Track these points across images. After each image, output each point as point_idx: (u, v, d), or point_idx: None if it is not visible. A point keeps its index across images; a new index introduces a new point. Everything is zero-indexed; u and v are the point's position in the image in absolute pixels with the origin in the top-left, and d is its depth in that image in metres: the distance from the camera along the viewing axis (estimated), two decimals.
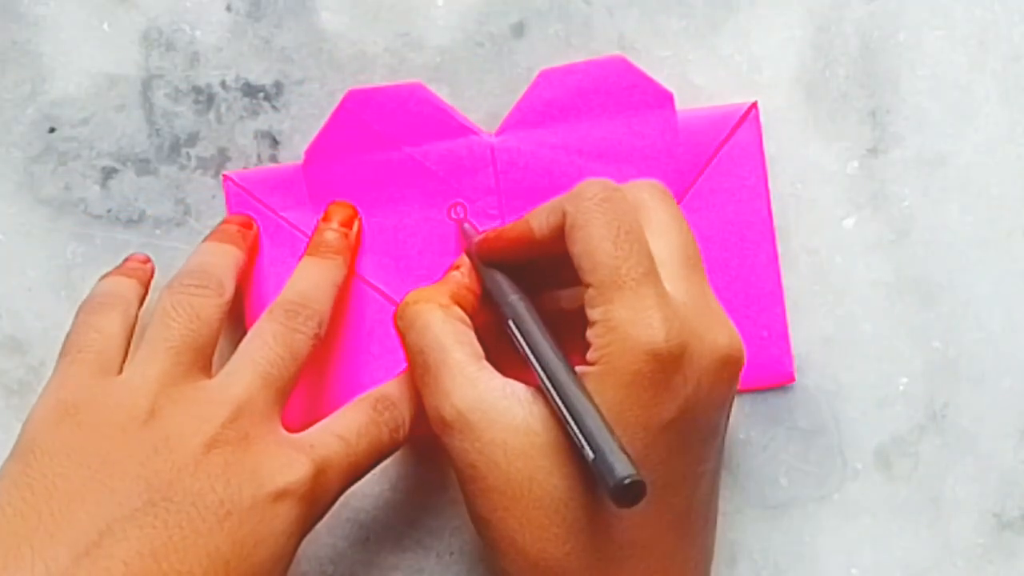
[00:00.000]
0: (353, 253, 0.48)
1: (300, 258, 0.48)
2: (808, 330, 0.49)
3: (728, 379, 0.42)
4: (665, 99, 0.48)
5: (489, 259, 0.45)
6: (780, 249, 0.49)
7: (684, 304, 0.41)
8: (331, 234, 0.48)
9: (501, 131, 0.48)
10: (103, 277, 0.47)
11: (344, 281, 0.47)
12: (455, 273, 0.46)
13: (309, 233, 0.48)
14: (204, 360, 0.43)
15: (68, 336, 0.44)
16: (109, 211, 0.50)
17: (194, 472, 0.40)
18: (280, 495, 0.41)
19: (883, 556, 0.49)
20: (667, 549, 0.42)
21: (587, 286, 0.40)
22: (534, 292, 0.44)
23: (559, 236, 0.42)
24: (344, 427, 0.43)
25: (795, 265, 0.49)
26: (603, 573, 0.41)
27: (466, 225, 0.48)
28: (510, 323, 0.43)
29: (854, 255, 0.49)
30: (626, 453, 0.37)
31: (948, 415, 0.49)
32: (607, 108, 0.48)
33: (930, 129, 0.49)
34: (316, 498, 0.42)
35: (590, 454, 0.37)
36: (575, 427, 0.38)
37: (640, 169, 0.47)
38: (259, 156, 0.50)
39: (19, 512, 0.39)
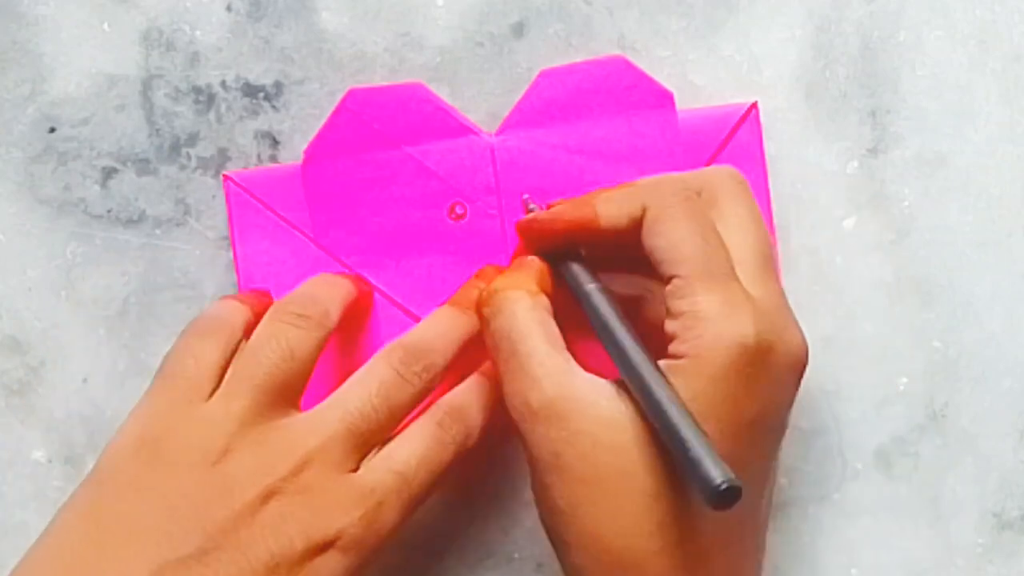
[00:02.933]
0: None
1: (300, 258, 0.48)
2: (808, 330, 0.49)
3: (797, 378, 0.42)
4: (666, 99, 0.48)
5: (542, 243, 0.45)
6: (780, 249, 0.49)
7: (763, 302, 0.41)
8: (477, 293, 0.46)
9: (501, 131, 0.48)
10: (221, 299, 0.47)
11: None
12: (532, 258, 0.45)
13: (310, 233, 0.48)
14: (292, 395, 0.43)
15: (167, 356, 0.44)
16: (109, 211, 0.50)
17: (249, 523, 0.40)
18: (327, 546, 0.41)
19: (883, 556, 0.49)
20: (744, 545, 0.42)
21: (670, 279, 0.40)
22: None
23: (632, 227, 0.42)
24: (405, 458, 0.43)
25: (795, 265, 0.49)
26: (688, 571, 0.40)
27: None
28: (587, 313, 0.42)
29: (854, 255, 0.49)
30: (718, 455, 0.36)
31: (948, 415, 0.49)
32: (607, 108, 0.48)
33: (930, 129, 0.49)
34: (365, 546, 0.41)
35: (684, 456, 0.37)
36: (668, 429, 0.38)
37: (640, 169, 0.47)
38: (259, 156, 0.50)
39: (78, 547, 0.39)
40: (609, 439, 0.40)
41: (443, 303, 0.47)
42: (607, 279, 0.45)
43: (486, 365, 0.46)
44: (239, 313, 0.45)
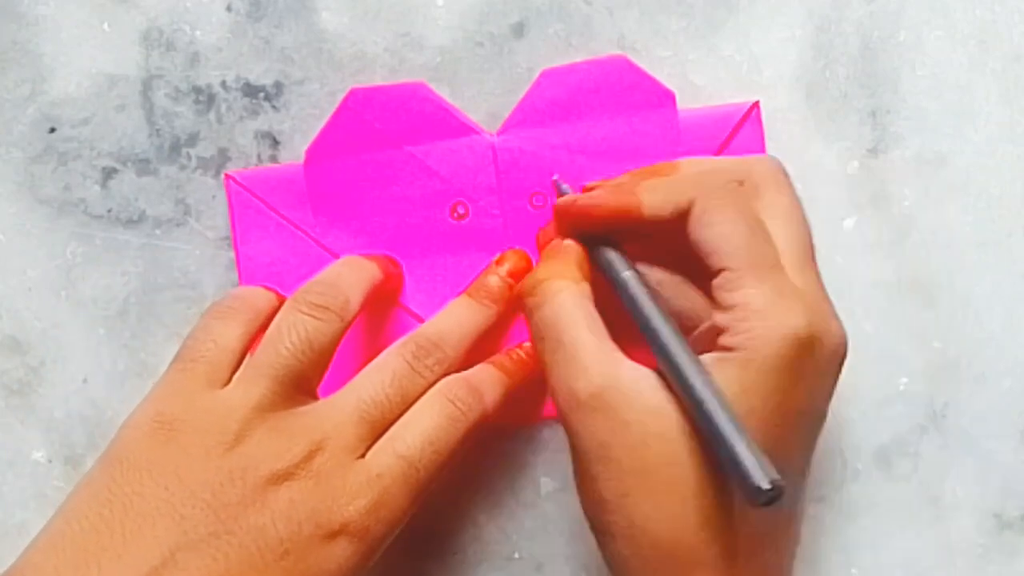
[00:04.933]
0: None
1: (302, 257, 0.48)
2: None
3: (838, 369, 0.42)
4: (667, 98, 0.48)
5: (579, 228, 0.44)
6: None
7: (808, 293, 0.41)
8: (495, 279, 0.47)
9: (503, 130, 0.48)
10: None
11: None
12: (568, 243, 0.44)
13: (311, 233, 0.48)
14: (309, 384, 0.43)
15: (187, 338, 0.44)
16: (109, 211, 0.50)
17: (260, 508, 0.40)
18: (335, 534, 0.41)
19: (883, 556, 0.49)
20: (785, 540, 0.42)
21: (719, 271, 0.40)
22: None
23: (678, 219, 0.41)
24: (411, 440, 0.43)
25: None
26: (730, 563, 0.40)
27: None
28: (624, 301, 0.42)
29: (854, 255, 0.49)
30: (762, 454, 0.36)
31: (948, 415, 0.49)
32: (609, 108, 0.48)
33: (930, 129, 0.49)
34: (373, 533, 0.42)
35: (726, 453, 0.37)
36: (709, 424, 0.37)
37: None
38: (259, 156, 0.50)
39: (94, 527, 0.39)
40: (657, 429, 0.39)
41: (452, 298, 0.47)
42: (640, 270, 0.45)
43: (498, 356, 0.47)
44: (261, 298, 0.45)
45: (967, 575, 0.49)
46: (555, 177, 0.48)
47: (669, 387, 0.40)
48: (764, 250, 0.40)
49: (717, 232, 0.40)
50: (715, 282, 0.40)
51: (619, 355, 0.41)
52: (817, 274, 0.42)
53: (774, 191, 0.43)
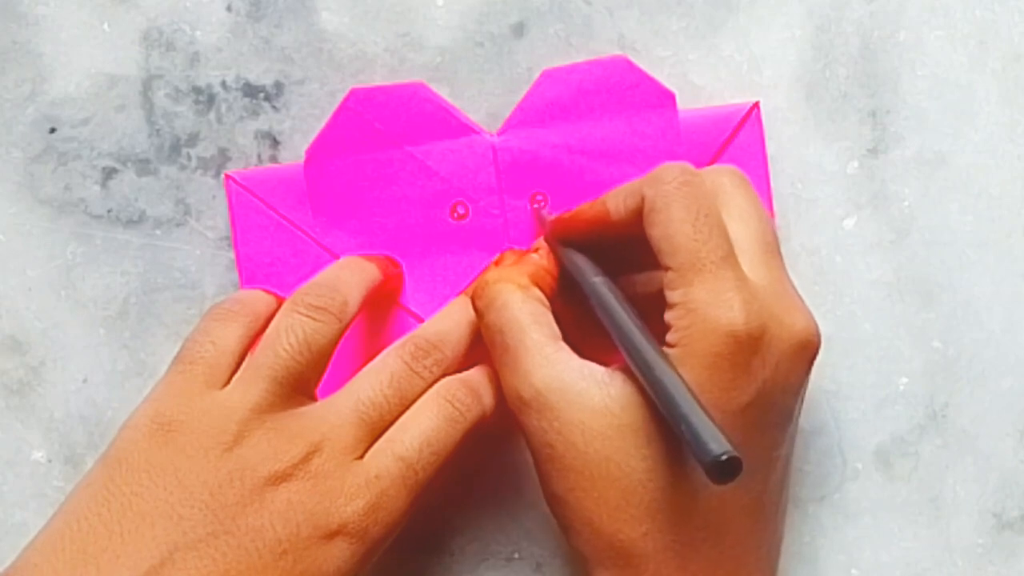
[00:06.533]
0: None
1: (302, 257, 0.48)
2: None
3: (804, 364, 0.42)
4: (667, 99, 0.48)
5: (564, 239, 0.46)
6: (780, 249, 0.49)
7: (763, 288, 0.41)
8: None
9: (503, 131, 0.48)
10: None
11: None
12: (533, 255, 0.46)
13: (311, 233, 0.48)
14: (307, 386, 0.43)
15: (186, 340, 0.44)
16: (109, 211, 0.50)
17: (259, 508, 0.40)
18: (334, 535, 0.41)
19: (883, 556, 0.49)
20: (741, 533, 0.42)
21: (666, 269, 0.41)
22: (611, 276, 0.44)
23: (636, 219, 0.42)
24: (410, 441, 0.43)
25: (795, 265, 0.49)
26: (677, 555, 0.41)
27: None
28: (593, 304, 0.43)
29: (854, 255, 0.50)
30: (720, 429, 0.37)
31: (948, 415, 0.49)
32: (609, 108, 0.48)
33: (930, 129, 0.49)
34: (371, 534, 0.42)
35: (685, 431, 0.37)
36: (669, 405, 0.38)
37: (642, 169, 0.47)
38: (259, 156, 0.50)
39: (92, 527, 0.39)
40: (598, 427, 0.41)
41: (452, 298, 0.47)
42: (632, 278, 0.46)
43: None
44: (261, 301, 0.45)
45: (967, 575, 0.49)
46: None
47: (618, 384, 0.41)
48: (708, 246, 0.40)
49: (663, 230, 0.41)
50: (664, 280, 0.41)
51: (565, 354, 0.42)
52: (779, 269, 0.43)
53: (731, 190, 0.43)
